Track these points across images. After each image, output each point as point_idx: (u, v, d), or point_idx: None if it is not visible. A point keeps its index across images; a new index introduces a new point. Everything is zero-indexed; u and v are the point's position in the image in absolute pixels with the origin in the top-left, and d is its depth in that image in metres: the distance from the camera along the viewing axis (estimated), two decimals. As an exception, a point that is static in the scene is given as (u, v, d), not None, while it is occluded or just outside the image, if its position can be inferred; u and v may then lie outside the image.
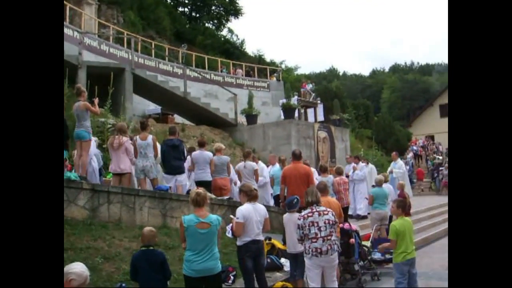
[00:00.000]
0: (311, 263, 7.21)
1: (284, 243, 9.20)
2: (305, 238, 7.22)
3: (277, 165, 13.57)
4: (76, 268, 4.46)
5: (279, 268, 9.30)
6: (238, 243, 7.27)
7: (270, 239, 9.80)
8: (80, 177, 9.51)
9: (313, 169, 13.53)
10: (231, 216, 7.67)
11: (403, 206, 7.85)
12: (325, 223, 7.16)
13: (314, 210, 7.26)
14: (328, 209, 7.42)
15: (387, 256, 10.05)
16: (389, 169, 18.36)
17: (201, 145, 11.88)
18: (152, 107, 22.75)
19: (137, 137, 10.53)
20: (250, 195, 7.34)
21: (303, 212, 7.40)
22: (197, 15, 45.67)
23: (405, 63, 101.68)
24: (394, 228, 7.50)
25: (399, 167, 17.75)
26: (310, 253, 7.13)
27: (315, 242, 7.10)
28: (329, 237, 7.14)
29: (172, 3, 43.97)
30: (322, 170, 13.03)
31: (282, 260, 9.42)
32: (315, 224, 7.14)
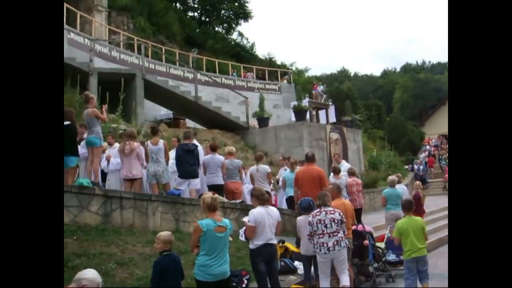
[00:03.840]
0: (320, 257, 7.81)
1: (298, 245, 9.17)
2: (314, 234, 7.80)
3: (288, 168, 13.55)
4: (88, 275, 4.47)
5: (293, 271, 9.25)
6: (251, 246, 7.23)
7: (283, 242, 9.76)
8: (92, 183, 9.55)
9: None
10: (244, 219, 7.64)
11: (407, 207, 8.45)
12: (331, 221, 7.78)
13: (322, 209, 7.87)
14: (336, 209, 7.97)
15: (402, 257, 9.98)
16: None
17: (213, 149, 11.89)
18: (164, 112, 22.83)
19: (149, 142, 10.56)
20: (261, 199, 7.30)
21: (313, 212, 8.01)
22: (207, 19, 45.72)
23: (417, 62, 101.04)
24: (397, 226, 8.25)
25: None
26: (318, 247, 7.75)
27: (322, 237, 7.74)
28: (335, 234, 7.74)
29: (181, 8, 44.10)
30: (336, 172, 12.96)
31: (296, 263, 9.38)
32: (322, 222, 7.78)
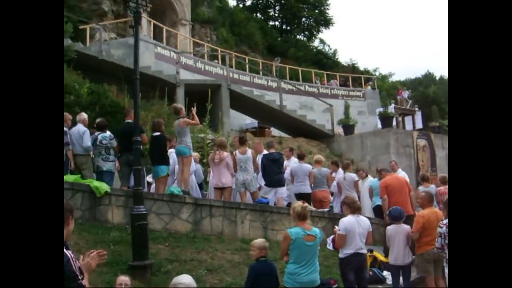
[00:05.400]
0: None
1: (386, 255, 9.01)
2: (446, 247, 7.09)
3: (370, 177, 13.29)
4: (185, 280, 4.61)
5: (382, 281, 9.10)
6: (340, 255, 7.18)
7: (372, 251, 9.62)
8: (183, 192, 9.83)
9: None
10: (335, 227, 7.60)
11: None
12: None
13: None
14: None
15: None
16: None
17: (301, 157, 11.98)
18: (249, 121, 23.09)
19: (237, 151, 10.73)
20: (353, 207, 7.24)
21: (445, 221, 7.08)
22: (288, 27, 46.02)
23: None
24: None
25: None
26: None
27: None
28: None
29: (262, 18, 44.63)
30: (424, 180, 12.62)
31: (385, 273, 9.21)
32: None
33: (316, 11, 45.24)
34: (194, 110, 10.58)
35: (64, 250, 3.57)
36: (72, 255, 3.56)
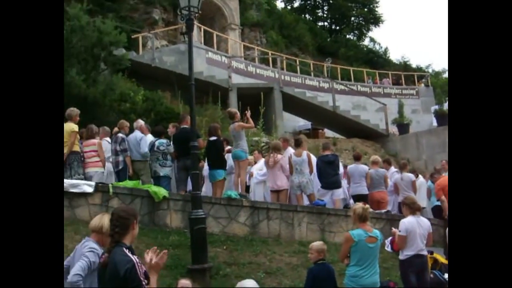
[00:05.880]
0: None
1: (447, 257, 8.81)
2: None
3: (421, 178, 13.02)
4: (249, 284, 4.65)
5: (444, 284, 8.88)
6: (401, 257, 7.06)
7: (432, 253, 9.42)
8: (240, 195, 9.89)
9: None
10: (393, 229, 7.48)
11: None
12: None
13: None
14: None
15: None
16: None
17: (357, 158, 11.95)
18: (302, 123, 23.07)
19: (292, 153, 10.71)
20: (413, 208, 7.12)
21: None
22: (337, 27, 45.67)
23: None
24: None
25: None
26: None
27: None
28: None
29: (311, 19, 44.42)
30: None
31: (446, 275, 9.00)
32: None
33: (365, 9, 44.73)
34: (248, 113, 10.66)
35: (130, 255, 3.65)
36: (137, 260, 3.63)
